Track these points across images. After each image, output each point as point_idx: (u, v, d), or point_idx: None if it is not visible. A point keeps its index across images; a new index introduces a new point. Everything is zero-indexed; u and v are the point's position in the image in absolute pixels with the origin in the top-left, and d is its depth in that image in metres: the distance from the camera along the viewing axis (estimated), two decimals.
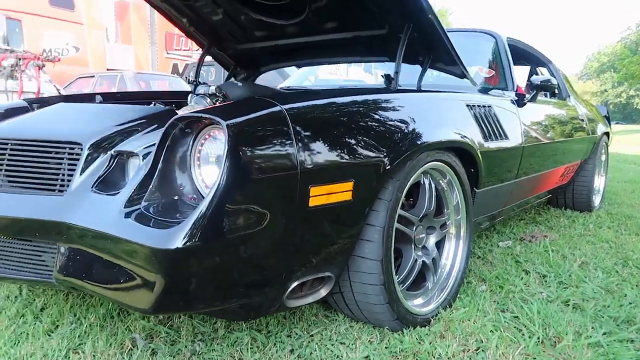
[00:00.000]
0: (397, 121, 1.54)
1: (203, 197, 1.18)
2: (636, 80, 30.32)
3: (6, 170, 1.39)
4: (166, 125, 1.19)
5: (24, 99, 2.19)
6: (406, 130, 1.54)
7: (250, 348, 1.49)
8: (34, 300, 1.79)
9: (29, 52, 5.83)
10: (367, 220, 1.45)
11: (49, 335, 1.55)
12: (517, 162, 2.32)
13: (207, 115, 1.14)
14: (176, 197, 1.18)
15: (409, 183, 1.57)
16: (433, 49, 2.04)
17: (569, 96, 3.43)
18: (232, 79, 2.25)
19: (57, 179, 1.32)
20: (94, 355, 1.43)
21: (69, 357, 1.42)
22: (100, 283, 1.18)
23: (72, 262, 1.23)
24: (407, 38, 1.97)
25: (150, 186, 1.16)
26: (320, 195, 1.26)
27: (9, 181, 1.38)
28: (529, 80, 2.71)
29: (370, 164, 1.39)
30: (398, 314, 1.55)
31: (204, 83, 2.66)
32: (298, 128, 1.23)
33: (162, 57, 14.78)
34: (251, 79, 2.60)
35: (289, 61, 2.87)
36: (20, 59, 5.61)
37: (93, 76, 8.89)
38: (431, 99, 1.82)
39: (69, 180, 1.30)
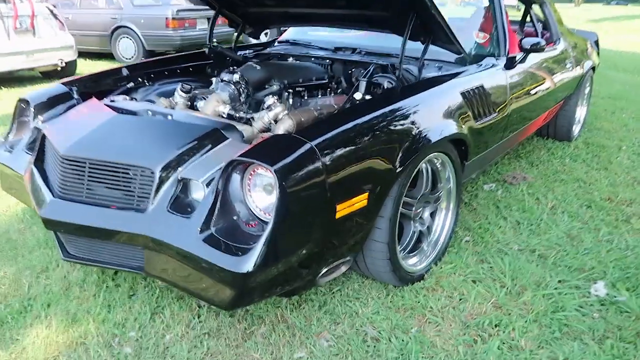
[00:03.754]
0: (406, 128, 1.85)
1: (259, 219, 1.55)
2: None
3: (87, 185, 1.73)
4: (224, 165, 1.52)
5: (62, 83, 2.42)
6: (413, 134, 1.86)
7: (289, 307, 1.96)
8: None
9: None
10: (377, 213, 1.83)
11: (131, 299, 2.00)
12: (504, 127, 2.64)
13: (257, 162, 1.47)
14: (235, 217, 1.55)
15: (411, 176, 1.92)
16: (433, 32, 2.27)
17: (559, 39, 3.60)
18: (250, 63, 2.48)
19: (133, 197, 1.67)
20: (172, 318, 1.89)
21: (155, 320, 1.89)
22: (182, 283, 1.60)
23: (157, 264, 1.63)
24: (411, 26, 2.20)
25: (216, 212, 1.52)
26: (343, 209, 1.63)
27: (91, 195, 1.72)
28: (520, 42, 2.91)
29: (382, 174, 1.74)
30: (400, 276, 2.01)
31: (215, 47, 2.85)
32: (325, 159, 1.56)
33: None
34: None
35: (295, 23, 3.04)
36: None
37: None
38: (432, 95, 2.09)
39: (145, 199, 1.65)
